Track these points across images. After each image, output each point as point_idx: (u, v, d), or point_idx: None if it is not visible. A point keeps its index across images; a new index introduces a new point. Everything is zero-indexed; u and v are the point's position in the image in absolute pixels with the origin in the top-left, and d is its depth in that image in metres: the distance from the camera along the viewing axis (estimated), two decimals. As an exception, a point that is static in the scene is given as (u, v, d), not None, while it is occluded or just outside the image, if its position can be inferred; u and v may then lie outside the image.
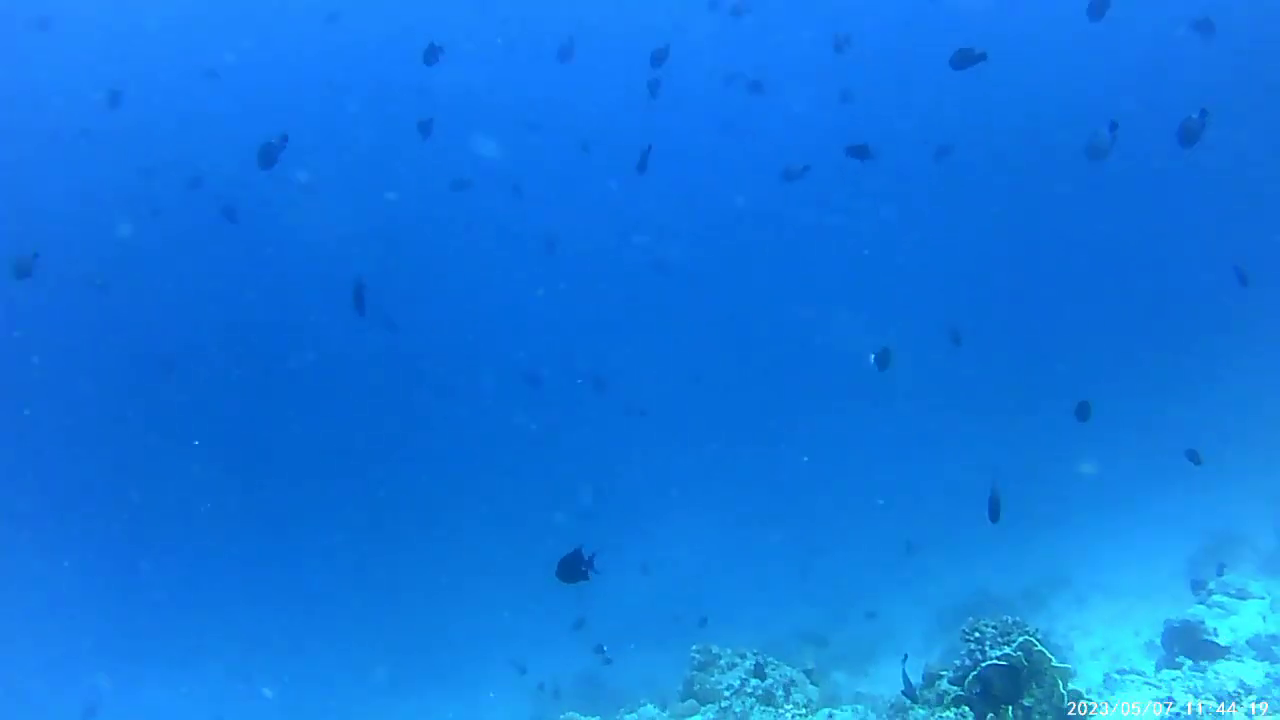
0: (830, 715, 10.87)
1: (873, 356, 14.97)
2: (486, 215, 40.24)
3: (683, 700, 13.38)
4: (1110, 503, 28.36)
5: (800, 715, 11.22)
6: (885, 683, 22.66)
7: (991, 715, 9.96)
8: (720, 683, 13.16)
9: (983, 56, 13.20)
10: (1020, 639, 10.41)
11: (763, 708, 11.43)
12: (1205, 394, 31.29)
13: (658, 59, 18.44)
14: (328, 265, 39.49)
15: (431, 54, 17.34)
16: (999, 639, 10.62)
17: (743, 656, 13.84)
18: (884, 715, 11.52)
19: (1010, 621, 10.93)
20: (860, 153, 15.90)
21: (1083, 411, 15.29)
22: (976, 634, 10.78)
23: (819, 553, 32.46)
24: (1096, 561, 25.88)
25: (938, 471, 37.04)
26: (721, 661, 13.65)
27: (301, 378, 43.07)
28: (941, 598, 26.71)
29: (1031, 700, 10.01)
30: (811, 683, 13.74)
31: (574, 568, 10.96)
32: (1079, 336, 38.05)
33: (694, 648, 13.86)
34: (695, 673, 13.59)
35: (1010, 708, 9.89)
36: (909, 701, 11.14)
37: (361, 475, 39.60)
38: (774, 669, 13.57)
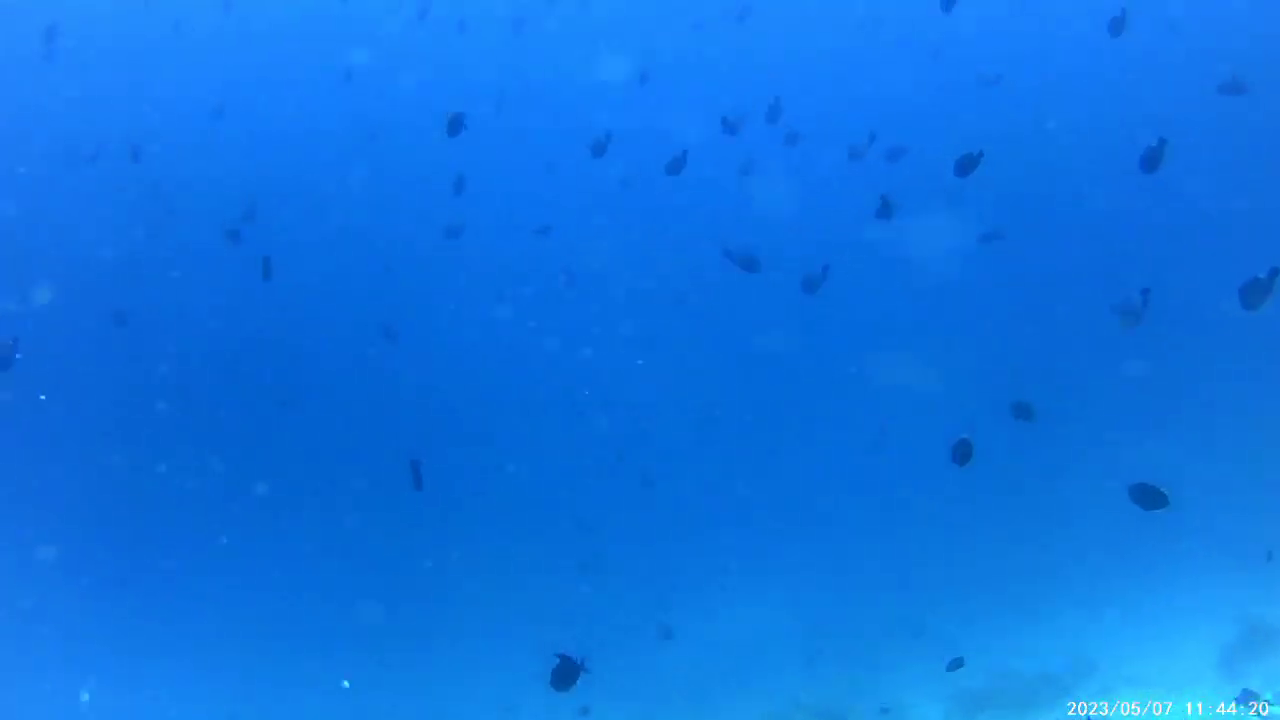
0: None
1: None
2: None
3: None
4: (1140, 584, 26.71)
5: None
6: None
7: None
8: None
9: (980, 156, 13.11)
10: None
11: None
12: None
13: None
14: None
15: (455, 124, 16.15)
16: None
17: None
18: None
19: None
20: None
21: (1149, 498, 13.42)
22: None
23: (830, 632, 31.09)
24: (1123, 648, 24.21)
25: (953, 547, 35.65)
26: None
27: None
28: (960, 679, 25.06)
29: None
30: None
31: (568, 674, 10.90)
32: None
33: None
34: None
35: None
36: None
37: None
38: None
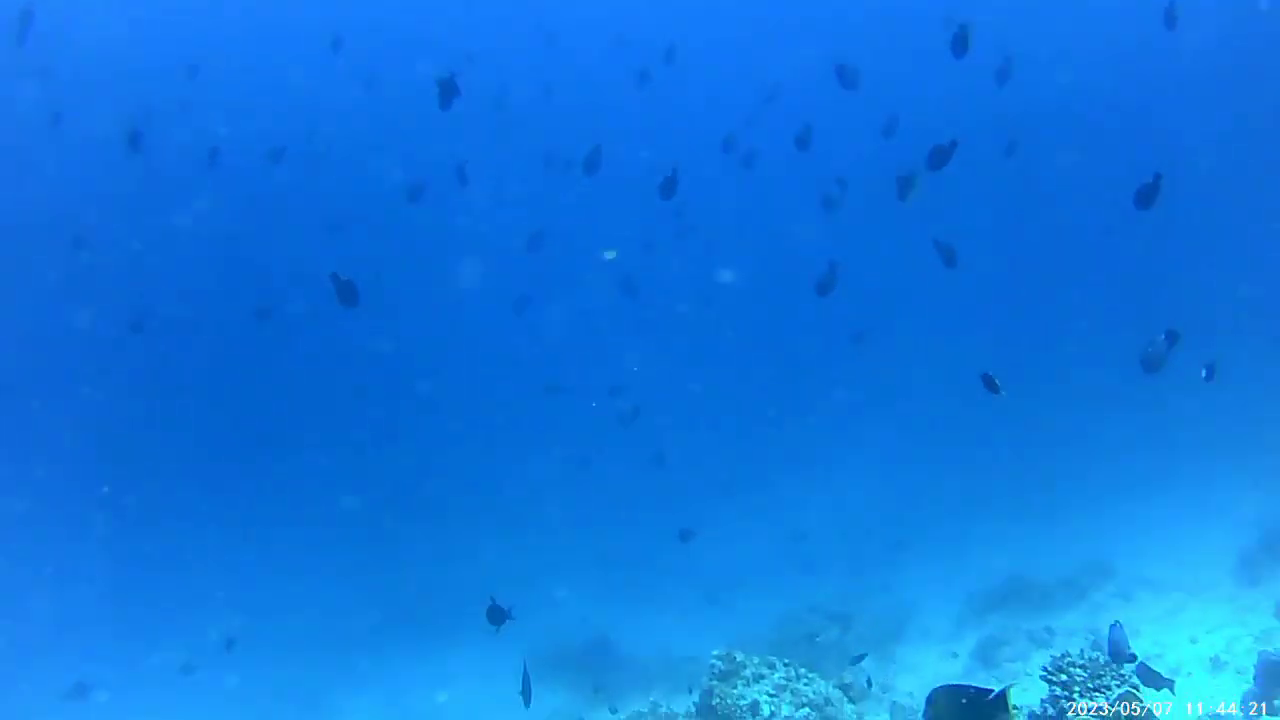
0: None
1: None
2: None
3: (698, 718, 11.23)
4: (1158, 487, 26.24)
5: None
6: (914, 671, 20.73)
7: (1083, 786, 7.82)
8: (744, 698, 11.02)
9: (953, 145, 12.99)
10: (1119, 689, 8.22)
11: None
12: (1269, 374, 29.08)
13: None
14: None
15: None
16: (1091, 685, 8.44)
17: (771, 667, 11.67)
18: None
19: (1102, 663, 8.73)
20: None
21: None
22: (1063, 676, 8.58)
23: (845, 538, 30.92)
24: (1141, 552, 23.65)
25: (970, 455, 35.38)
26: (746, 672, 11.49)
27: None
28: (973, 580, 24.66)
29: (1133, 769, 7.86)
30: (849, 700, 11.60)
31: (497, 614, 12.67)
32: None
33: (715, 654, 11.68)
34: (715, 683, 11.42)
35: (1106, 778, 7.74)
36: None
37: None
38: (807, 683, 11.42)
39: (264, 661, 27.57)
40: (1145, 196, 11.86)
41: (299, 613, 30.87)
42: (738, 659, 11.60)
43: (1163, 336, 12.08)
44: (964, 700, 6.38)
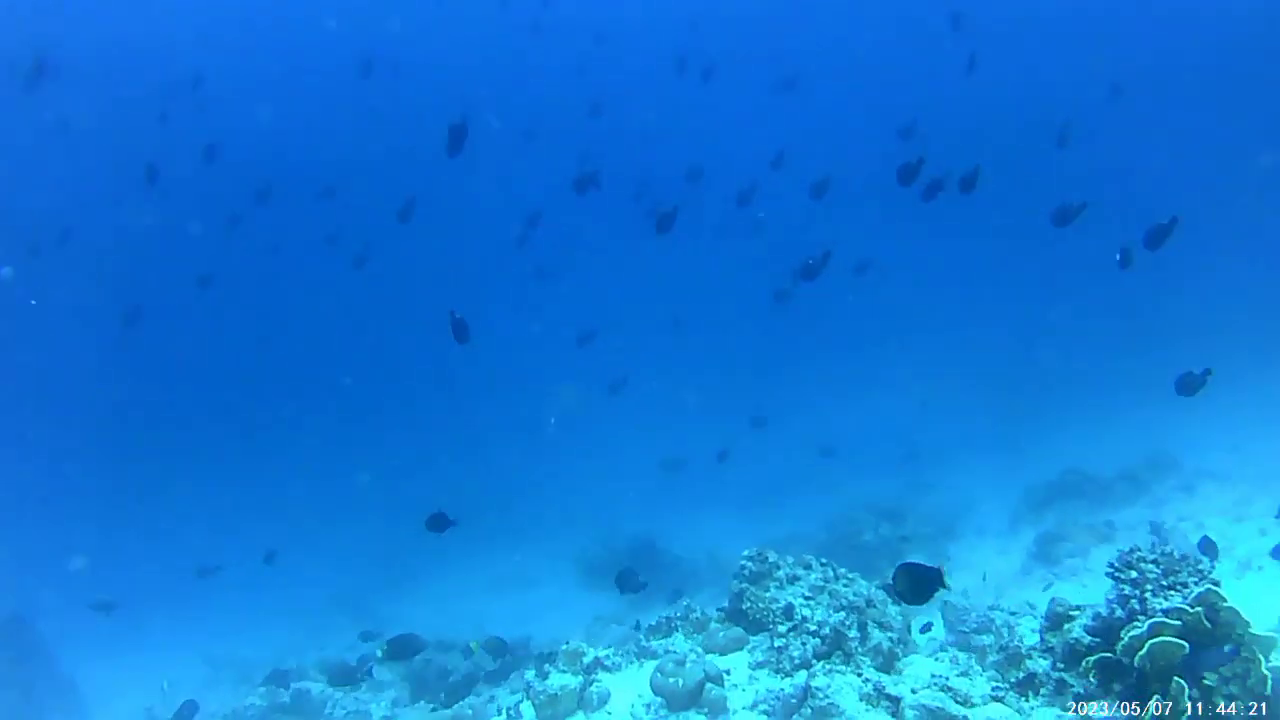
0: (914, 691, 7.43)
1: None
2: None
3: (728, 621, 10.12)
4: (1219, 379, 24.76)
5: (876, 674, 7.88)
6: (968, 569, 19.53)
7: (1157, 696, 6.62)
8: (776, 601, 9.89)
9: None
10: (1199, 588, 6.98)
11: (830, 665, 8.12)
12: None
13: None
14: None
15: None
16: (1164, 583, 7.21)
17: (807, 568, 10.52)
18: (990, 669, 8.16)
19: (1177, 557, 7.47)
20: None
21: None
22: (1133, 573, 7.34)
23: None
24: (1204, 445, 22.28)
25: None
26: (780, 573, 10.35)
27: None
28: (1029, 475, 23.40)
29: (1215, 679, 6.63)
30: (893, 601, 10.43)
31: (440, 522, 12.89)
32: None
33: (745, 554, 10.54)
34: (746, 585, 10.30)
35: (1184, 687, 6.54)
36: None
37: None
38: (846, 584, 10.26)
39: (312, 571, 27.21)
40: (1156, 238, 11.90)
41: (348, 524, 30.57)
42: (770, 559, 10.47)
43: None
44: (916, 574, 7.48)
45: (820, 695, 7.35)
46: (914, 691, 7.37)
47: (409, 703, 15.48)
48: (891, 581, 7.93)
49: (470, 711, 11.91)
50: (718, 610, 10.51)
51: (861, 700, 7.38)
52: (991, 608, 13.33)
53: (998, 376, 31.79)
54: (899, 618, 10.38)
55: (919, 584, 7.57)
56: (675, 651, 9.44)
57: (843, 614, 8.89)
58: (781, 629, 9.19)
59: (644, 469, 31.20)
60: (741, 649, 9.50)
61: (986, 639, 12.71)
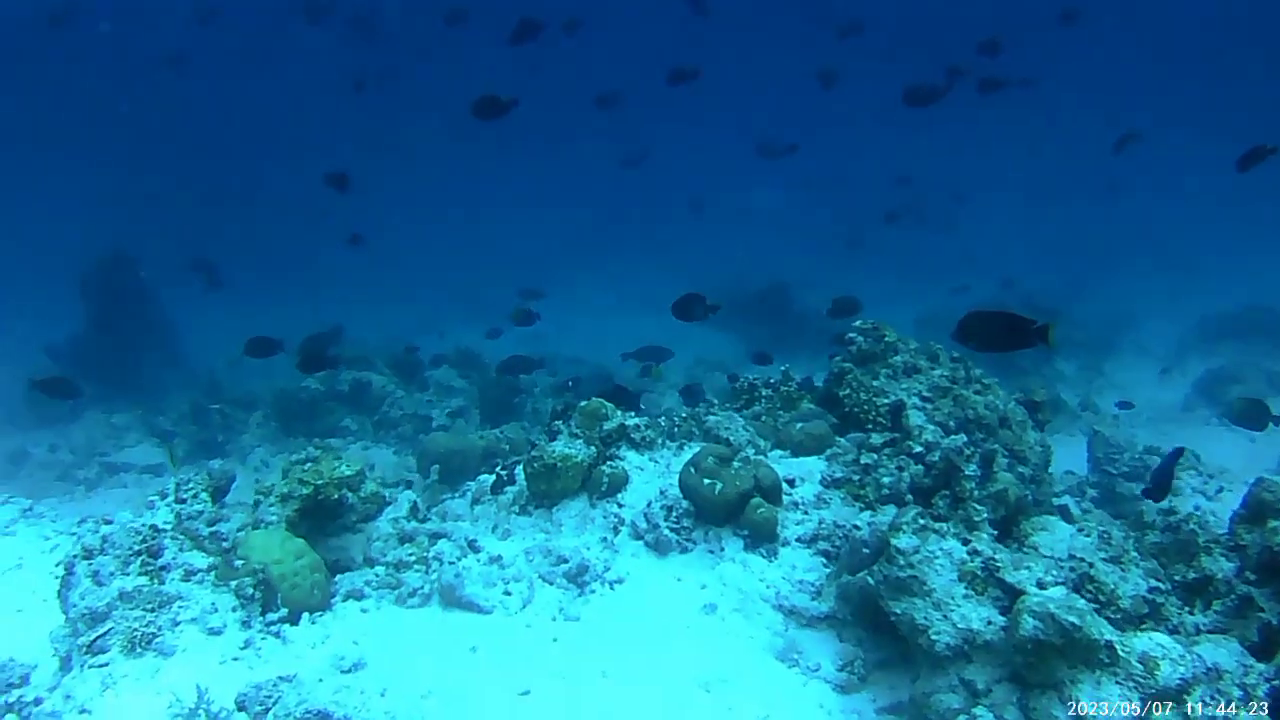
0: (1039, 585, 4.62)
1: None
2: None
3: (818, 405, 7.48)
4: None
5: (991, 543, 5.10)
6: (1121, 390, 16.40)
7: None
8: (884, 396, 7.19)
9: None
10: None
11: (926, 512, 5.42)
12: None
13: None
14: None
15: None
16: None
17: (933, 359, 7.70)
18: (1146, 556, 5.32)
19: None
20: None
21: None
22: None
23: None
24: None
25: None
26: (896, 359, 7.57)
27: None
28: (1207, 302, 19.70)
29: None
30: (1034, 424, 7.62)
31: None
32: None
33: (857, 324, 7.77)
34: (850, 367, 7.59)
35: None
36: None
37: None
38: (979, 392, 7.46)
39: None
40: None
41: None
42: (887, 337, 7.68)
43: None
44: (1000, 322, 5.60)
45: (901, 560, 4.71)
46: (1039, 586, 4.65)
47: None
48: (959, 330, 5.67)
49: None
50: (817, 383, 7.88)
51: (960, 580, 4.71)
52: (1148, 450, 10.45)
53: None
54: (1038, 447, 7.58)
55: (999, 335, 5.58)
56: (727, 438, 6.79)
57: (963, 436, 6.03)
58: (876, 439, 6.44)
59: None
60: (821, 451, 6.81)
61: (1137, 489, 9.91)
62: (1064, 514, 7.63)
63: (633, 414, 6.95)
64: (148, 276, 18.08)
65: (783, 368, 8.70)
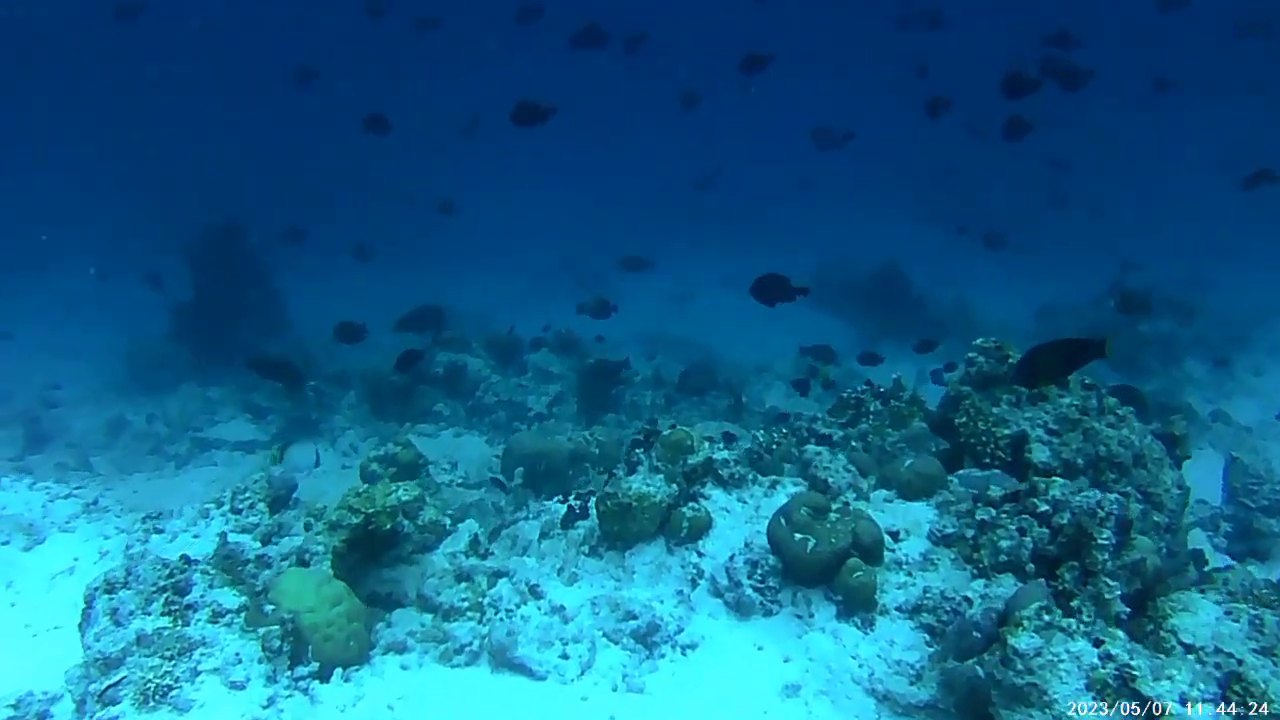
0: (1182, 692, 3.72)
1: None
2: None
3: (934, 432, 6.58)
4: None
5: (1123, 638, 4.16)
6: (1254, 396, 14.98)
7: None
8: (1005, 426, 6.26)
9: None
10: None
11: (1052, 591, 4.48)
12: None
13: None
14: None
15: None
16: None
17: (1061, 386, 6.71)
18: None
19: None
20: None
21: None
22: None
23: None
24: None
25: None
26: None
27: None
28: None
29: None
30: (1173, 452, 6.60)
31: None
32: None
33: (978, 343, 6.84)
34: (969, 391, 6.66)
35: None
36: None
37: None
38: (1114, 424, 6.46)
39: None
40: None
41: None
42: (1012, 359, 6.71)
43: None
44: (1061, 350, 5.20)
45: (1020, 664, 3.84)
46: (1182, 703, 3.73)
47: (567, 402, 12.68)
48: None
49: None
50: (919, 413, 6.98)
51: (1089, 689, 3.82)
52: (1298, 480, 9.25)
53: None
54: (1175, 490, 6.56)
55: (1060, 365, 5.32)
56: (825, 479, 5.91)
57: (1096, 494, 5.05)
58: (995, 491, 5.47)
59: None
60: (931, 493, 5.90)
61: (1277, 526, 8.80)
62: (1197, 561, 6.66)
63: (722, 445, 6.11)
64: (257, 243, 17.81)
65: (895, 375, 7.82)
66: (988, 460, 6.41)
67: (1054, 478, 5.40)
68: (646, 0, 27.16)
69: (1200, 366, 15.74)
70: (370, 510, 5.53)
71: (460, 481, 9.02)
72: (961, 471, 6.25)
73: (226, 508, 6.65)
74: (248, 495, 6.62)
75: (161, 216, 21.61)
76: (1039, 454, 6.24)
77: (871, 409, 7.43)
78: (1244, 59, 31.87)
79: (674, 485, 5.68)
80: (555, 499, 6.71)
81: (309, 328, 16.60)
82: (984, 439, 6.52)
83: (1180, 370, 15.56)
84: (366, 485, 5.87)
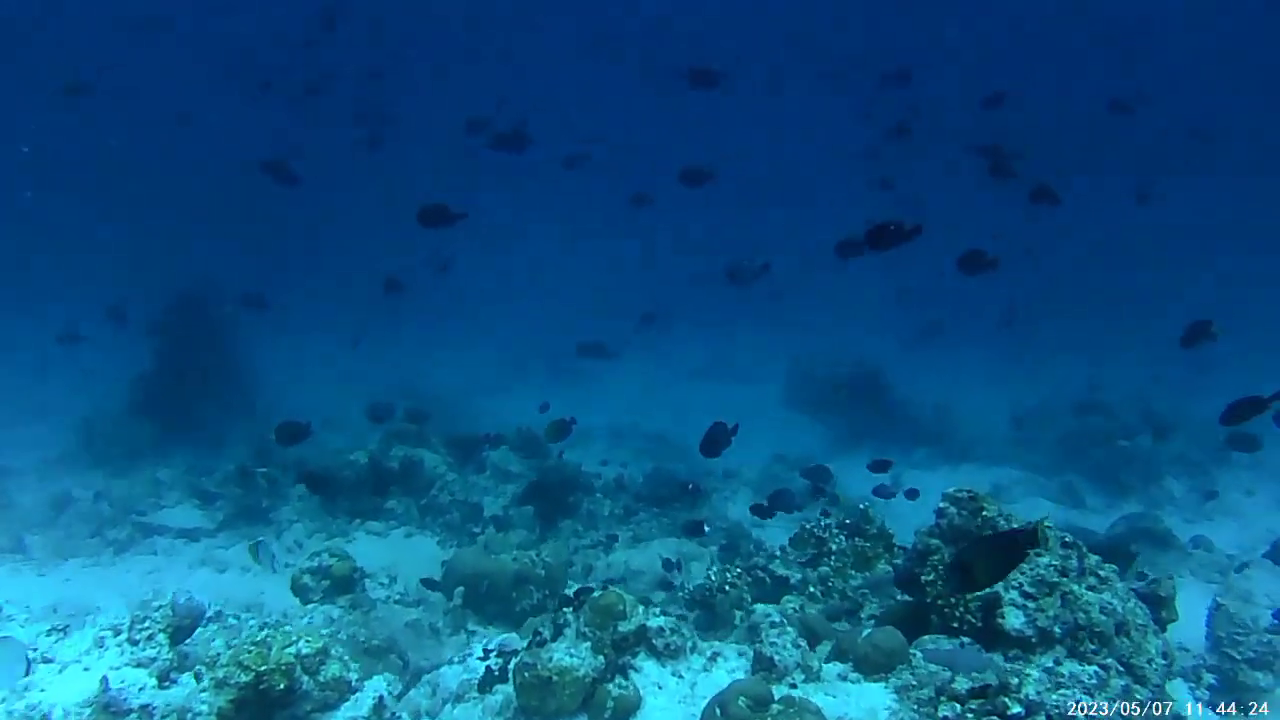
0: None
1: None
2: None
3: (900, 592, 5.94)
4: None
5: None
6: (1236, 519, 14.35)
7: None
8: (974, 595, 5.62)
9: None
10: None
11: None
12: None
13: None
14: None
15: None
16: None
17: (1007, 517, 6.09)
18: None
19: None
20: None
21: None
22: None
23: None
24: None
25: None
26: (990, 510, 5.99)
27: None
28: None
29: None
30: (1154, 611, 5.97)
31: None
32: None
33: (949, 492, 6.24)
34: (939, 545, 6.03)
35: None
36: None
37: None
38: (1094, 587, 5.83)
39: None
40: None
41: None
42: (987, 512, 6.10)
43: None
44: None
45: None
46: None
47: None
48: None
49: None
50: (891, 565, 6.37)
51: None
52: (1276, 627, 8.59)
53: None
54: (1159, 660, 5.91)
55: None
56: (771, 656, 5.21)
57: (1074, 694, 4.38)
58: (960, 685, 4.79)
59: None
60: (890, 670, 5.23)
61: (1264, 680, 8.13)
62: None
63: (657, 611, 5.43)
64: (230, 312, 17.18)
65: (862, 505, 7.24)
66: (955, 625, 5.76)
67: (1029, 672, 4.74)
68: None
69: (1178, 484, 15.09)
70: (262, 668, 4.85)
71: (398, 598, 8.30)
72: (928, 639, 5.59)
73: (124, 636, 5.98)
74: (147, 626, 5.94)
75: (130, 280, 21.00)
76: (1013, 619, 5.59)
77: (834, 548, 6.84)
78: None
79: (601, 656, 4.99)
80: (493, 627, 6.07)
81: (270, 402, 15.96)
82: (953, 601, 5.88)
83: (1160, 489, 14.93)
84: (265, 632, 5.19)
